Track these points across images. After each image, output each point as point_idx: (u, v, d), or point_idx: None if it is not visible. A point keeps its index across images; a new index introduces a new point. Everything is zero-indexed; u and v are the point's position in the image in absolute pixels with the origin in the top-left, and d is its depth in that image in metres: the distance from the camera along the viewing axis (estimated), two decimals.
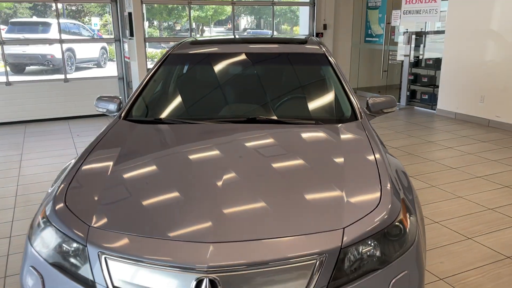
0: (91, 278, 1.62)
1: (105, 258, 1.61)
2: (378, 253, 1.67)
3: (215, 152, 2.27)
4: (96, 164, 2.19)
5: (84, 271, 1.64)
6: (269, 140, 2.42)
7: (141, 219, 1.74)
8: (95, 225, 1.71)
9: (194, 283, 1.52)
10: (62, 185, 1.99)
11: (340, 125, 2.60)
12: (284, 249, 1.58)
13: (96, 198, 1.88)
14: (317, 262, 1.57)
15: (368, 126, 2.61)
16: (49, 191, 2.12)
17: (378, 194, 1.87)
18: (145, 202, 1.85)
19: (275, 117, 2.71)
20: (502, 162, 5.13)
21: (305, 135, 2.49)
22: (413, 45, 8.29)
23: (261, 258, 1.54)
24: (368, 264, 1.65)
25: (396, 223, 1.77)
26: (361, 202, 1.83)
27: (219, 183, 1.93)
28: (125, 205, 1.86)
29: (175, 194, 1.90)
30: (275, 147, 2.35)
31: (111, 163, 2.15)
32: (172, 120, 2.72)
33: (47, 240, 1.78)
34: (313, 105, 2.96)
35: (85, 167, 2.15)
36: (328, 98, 2.98)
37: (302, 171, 2.08)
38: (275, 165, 2.13)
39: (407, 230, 1.81)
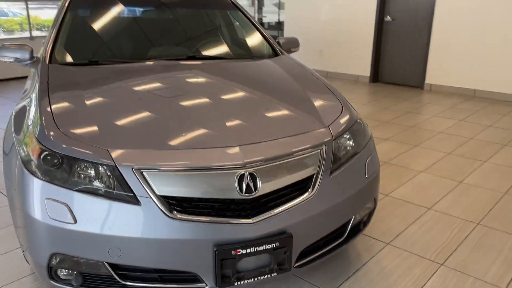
0: (129, 193, 1.67)
1: (141, 172, 1.68)
2: (352, 143, 2.12)
3: (186, 79, 2.41)
4: (67, 97, 2.11)
5: (119, 189, 1.69)
6: (227, 70, 2.63)
7: (156, 135, 1.83)
8: (115, 146, 1.74)
9: (236, 180, 1.73)
10: (45, 121, 1.90)
11: (273, 58, 2.96)
12: (297, 143, 1.90)
13: (95, 124, 1.88)
14: (322, 151, 1.93)
15: (293, 58, 3.02)
16: (16, 136, 1.99)
17: (338, 102, 2.32)
18: (147, 120, 1.93)
19: (212, 54, 2.90)
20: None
21: (251, 65, 2.78)
22: (257, 8, 8.98)
23: (283, 152, 1.83)
24: (349, 151, 2.09)
25: (358, 121, 2.25)
26: (329, 108, 2.24)
27: (208, 100, 2.13)
28: (130, 124, 1.90)
29: (170, 110, 2.03)
30: (235, 74, 2.57)
31: (83, 95, 2.12)
32: (112, 61, 2.67)
33: (63, 170, 1.74)
34: (238, 44, 3.22)
35: (57, 104, 2.05)
36: (251, 37, 3.27)
37: (270, 91, 2.37)
38: (242, 87, 2.37)
39: (366, 125, 2.31)
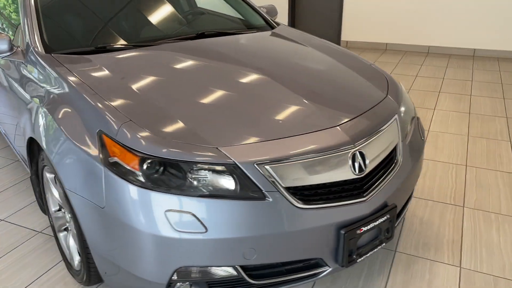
0: (256, 190, 1.60)
1: (264, 166, 1.61)
2: (406, 109, 2.23)
3: (230, 58, 2.32)
4: (121, 92, 1.89)
5: (244, 188, 1.60)
6: (257, 47, 2.53)
7: (251, 124, 1.75)
8: (221, 143, 1.63)
9: (350, 160, 1.74)
10: (126, 125, 1.68)
11: (275, 29, 2.91)
12: (381, 115, 1.96)
13: (177, 119, 1.75)
14: (397, 120, 2.03)
15: (292, 28, 3.02)
16: (83, 149, 1.74)
17: (375, 71, 2.41)
18: (227, 108, 1.85)
19: (219, 31, 2.75)
20: None
21: (271, 39, 2.72)
22: None
23: (377, 125, 1.89)
24: (408, 116, 2.20)
25: (404, 94, 2.36)
26: (375, 77, 2.32)
27: (269, 78, 2.10)
28: (213, 115, 1.80)
29: (243, 93, 1.96)
30: (268, 52, 2.49)
31: (135, 87, 1.95)
32: (122, 46, 2.39)
33: (177, 176, 1.59)
34: (233, 17, 3.07)
35: (119, 102, 1.82)
36: (242, 9, 3.14)
37: (313, 64, 2.36)
38: (288, 61, 2.33)
39: (408, 95, 2.45)
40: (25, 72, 2.30)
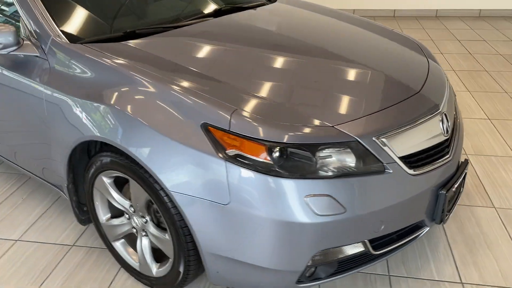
0: (377, 163, 1.62)
1: (379, 139, 1.63)
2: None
3: (272, 38, 2.25)
4: (193, 80, 1.77)
5: (367, 163, 1.61)
6: (289, 22, 2.47)
7: (347, 102, 1.76)
8: (333, 121, 1.62)
9: (440, 123, 1.84)
10: (234, 115, 1.57)
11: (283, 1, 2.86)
12: (439, 76, 2.10)
13: (267, 101, 1.69)
14: (450, 88, 2.17)
15: None
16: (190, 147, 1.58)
17: (408, 40, 2.48)
18: (302, 86, 1.83)
19: (233, 6, 2.61)
20: None
21: (294, 11, 2.69)
22: None
23: (441, 84, 2.03)
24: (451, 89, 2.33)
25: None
26: (413, 48, 2.38)
27: (324, 50, 2.12)
28: (295, 95, 1.77)
29: (307, 70, 1.95)
30: (302, 26, 2.45)
31: (204, 73, 1.84)
32: (152, 29, 2.17)
33: (308, 160, 1.55)
34: None
35: (203, 90, 1.69)
36: None
37: (351, 34, 2.40)
38: (336, 38, 2.32)
39: None
40: (46, 67, 1.99)
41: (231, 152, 1.54)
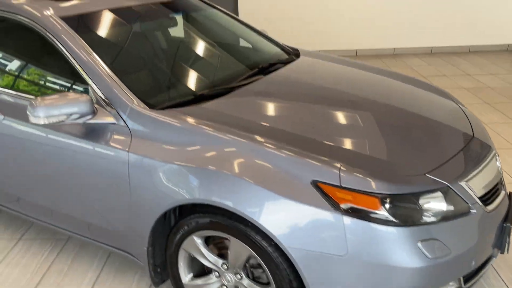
0: (464, 206, 1.82)
1: (464, 183, 1.84)
2: None
3: (327, 93, 2.42)
4: (280, 139, 1.90)
5: (458, 205, 1.80)
6: (332, 76, 2.65)
7: (422, 150, 1.96)
8: (421, 170, 1.81)
9: (496, 160, 2.09)
10: (345, 168, 1.72)
11: (307, 55, 3.04)
12: (476, 121, 2.36)
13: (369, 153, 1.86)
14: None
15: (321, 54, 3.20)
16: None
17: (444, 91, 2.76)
18: (388, 140, 2.02)
19: (265, 64, 2.76)
20: None
21: (334, 65, 2.88)
22: None
23: (483, 127, 2.29)
24: None
25: None
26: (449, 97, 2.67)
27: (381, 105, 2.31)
28: (385, 147, 1.95)
29: (383, 125, 2.14)
30: (345, 79, 2.65)
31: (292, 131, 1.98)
32: (214, 92, 2.26)
33: (415, 208, 1.72)
34: (258, 49, 3.06)
35: (297, 147, 1.83)
36: (264, 43, 3.14)
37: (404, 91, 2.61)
38: (382, 92, 2.52)
39: None
40: (127, 133, 2.01)
41: (345, 206, 1.67)
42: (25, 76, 2.42)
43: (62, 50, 2.18)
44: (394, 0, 7.08)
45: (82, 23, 2.33)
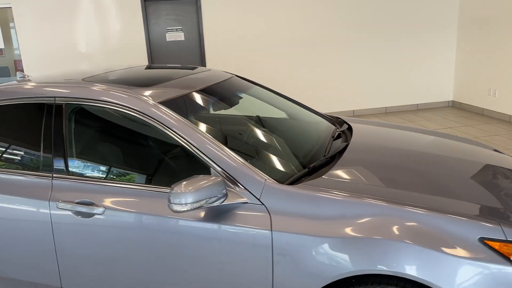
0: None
1: None
2: None
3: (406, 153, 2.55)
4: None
5: None
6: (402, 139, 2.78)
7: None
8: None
9: None
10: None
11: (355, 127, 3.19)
12: None
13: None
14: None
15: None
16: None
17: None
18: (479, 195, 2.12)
19: (334, 134, 2.86)
20: None
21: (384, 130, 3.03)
22: None
23: None
24: None
25: None
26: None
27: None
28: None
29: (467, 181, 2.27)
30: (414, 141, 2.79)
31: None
32: (320, 163, 2.29)
33: None
34: (313, 120, 3.14)
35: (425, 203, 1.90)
36: (307, 112, 3.23)
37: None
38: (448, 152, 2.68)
39: None
40: (263, 212, 1.94)
41: None
42: (126, 166, 2.29)
43: (175, 137, 2.13)
44: (348, 68, 7.72)
45: (183, 107, 2.29)
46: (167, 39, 7.22)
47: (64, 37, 6.85)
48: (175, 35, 7.23)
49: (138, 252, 2.13)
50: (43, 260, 2.31)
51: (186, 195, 1.83)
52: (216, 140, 2.10)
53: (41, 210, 2.25)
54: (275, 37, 7.40)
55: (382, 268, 1.77)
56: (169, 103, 2.26)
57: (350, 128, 2.97)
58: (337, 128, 2.96)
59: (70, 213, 2.20)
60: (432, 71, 8.08)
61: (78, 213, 2.20)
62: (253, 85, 3.16)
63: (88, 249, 2.21)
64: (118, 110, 2.25)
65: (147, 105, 2.19)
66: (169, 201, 1.86)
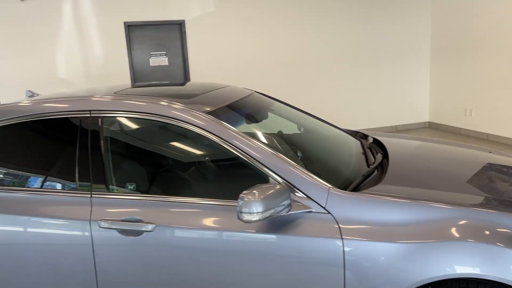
0: None
1: None
2: None
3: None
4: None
5: None
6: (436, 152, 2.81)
7: None
8: None
9: None
10: None
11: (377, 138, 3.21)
12: None
13: None
14: None
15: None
16: None
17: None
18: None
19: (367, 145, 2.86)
20: None
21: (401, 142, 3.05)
22: None
23: None
24: None
25: None
26: None
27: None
28: None
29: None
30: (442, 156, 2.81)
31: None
32: (369, 172, 2.27)
33: None
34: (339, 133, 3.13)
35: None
36: (330, 127, 3.22)
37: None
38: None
39: None
40: (329, 220, 1.88)
41: None
42: (174, 179, 2.18)
43: (230, 148, 2.06)
44: (330, 93, 7.87)
45: (229, 118, 2.23)
46: (151, 64, 7.13)
47: (45, 63, 6.62)
48: (159, 60, 7.15)
49: (196, 271, 2.00)
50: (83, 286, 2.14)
51: (257, 203, 1.75)
52: (275, 150, 2.05)
53: (80, 232, 2.09)
54: (261, 62, 7.47)
55: (474, 272, 1.73)
56: (217, 115, 2.19)
57: (375, 141, 2.98)
58: (365, 140, 2.96)
59: (115, 232, 2.05)
60: (409, 94, 8.37)
61: (123, 231, 2.05)
62: (274, 101, 3.14)
63: (137, 271, 2.06)
64: (164, 122, 2.15)
65: (199, 117, 2.12)
66: (239, 211, 1.77)
